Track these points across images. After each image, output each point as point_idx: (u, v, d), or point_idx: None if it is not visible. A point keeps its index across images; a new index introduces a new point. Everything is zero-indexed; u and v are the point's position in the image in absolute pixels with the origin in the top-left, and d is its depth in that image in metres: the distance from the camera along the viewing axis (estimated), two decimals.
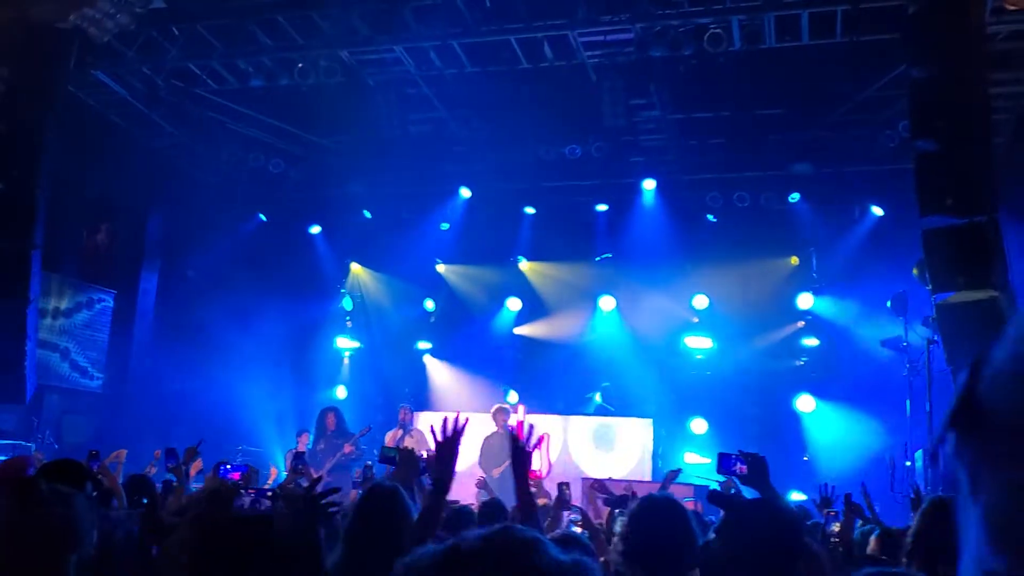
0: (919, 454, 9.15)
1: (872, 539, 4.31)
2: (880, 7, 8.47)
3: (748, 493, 3.44)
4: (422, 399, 12.56)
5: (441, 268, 13.36)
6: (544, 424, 11.17)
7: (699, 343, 12.10)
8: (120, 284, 12.52)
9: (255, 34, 9.91)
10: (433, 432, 3.17)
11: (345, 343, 13.46)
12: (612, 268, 12.54)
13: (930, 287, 7.49)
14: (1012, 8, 8.08)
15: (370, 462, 8.26)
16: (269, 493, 4.49)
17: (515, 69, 9.99)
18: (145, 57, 10.27)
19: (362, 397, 12.86)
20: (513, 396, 11.83)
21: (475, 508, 5.30)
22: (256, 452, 10.96)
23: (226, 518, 2.44)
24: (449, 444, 3.01)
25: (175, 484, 5.13)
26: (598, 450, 11.10)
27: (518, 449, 3.07)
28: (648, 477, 9.97)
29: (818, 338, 11.71)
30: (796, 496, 9.10)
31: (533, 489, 7.45)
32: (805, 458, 11.08)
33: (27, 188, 8.88)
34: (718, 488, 4.13)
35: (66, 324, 11.54)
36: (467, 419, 3.13)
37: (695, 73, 9.94)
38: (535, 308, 13.05)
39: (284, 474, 7.42)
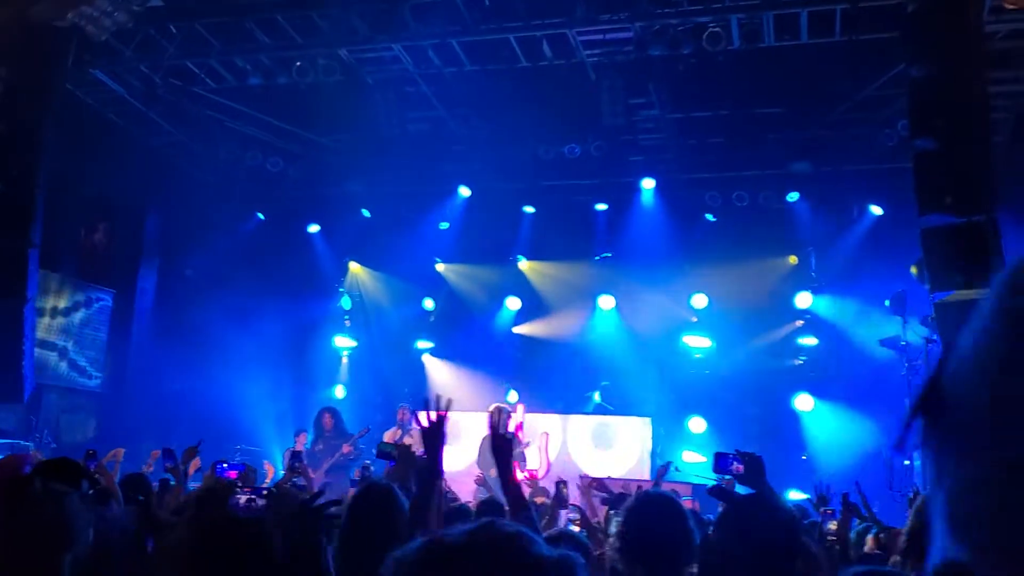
0: (918, 453, 9.15)
1: (869, 538, 4.31)
2: (879, 6, 8.47)
3: (744, 493, 3.44)
4: (421, 399, 12.52)
5: (440, 267, 13.35)
6: (543, 423, 11.18)
7: (698, 342, 12.09)
8: (118, 283, 12.52)
9: (253, 32, 9.90)
10: (418, 419, 3.14)
11: (344, 342, 13.45)
12: (611, 267, 12.53)
13: (929, 286, 7.49)
14: (1011, 7, 8.08)
15: (368, 461, 8.27)
16: (264, 492, 4.49)
17: (514, 68, 9.99)
18: (143, 55, 10.26)
19: (361, 396, 12.86)
20: (513, 396, 11.83)
21: (473, 507, 5.29)
22: (254, 451, 10.95)
23: (223, 518, 2.43)
24: (434, 428, 2.98)
25: (173, 483, 5.13)
26: (597, 449, 11.10)
27: (497, 437, 3.00)
28: (647, 476, 9.96)
29: (817, 337, 11.71)
30: (794, 495, 9.09)
31: (529, 489, 7.46)
32: (804, 457, 11.07)
33: (25, 187, 8.87)
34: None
35: (64, 323, 11.54)
36: (449, 400, 3.09)
37: (694, 72, 9.94)
38: (534, 307, 13.05)
39: (282, 473, 7.41)
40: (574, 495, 5.98)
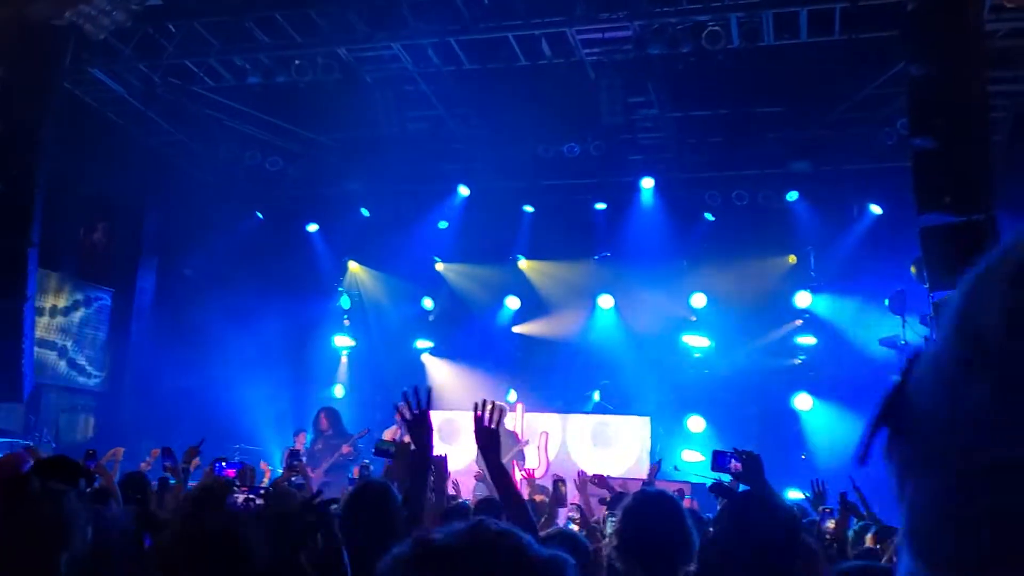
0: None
1: (868, 536, 4.31)
2: (879, 4, 8.47)
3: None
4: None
5: (440, 266, 13.35)
6: (543, 422, 11.19)
7: (697, 341, 12.09)
8: (118, 282, 12.52)
9: (252, 31, 9.89)
10: (401, 412, 3.12)
11: (343, 342, 13.44)
12: (611, 266, 12.54)
13: (928, 285, 7.49)
14: (1010, 6, 8.07)
15: (367, 460, 8.25)
16: (262, 491, 4.49)
17: (513, 67, 9.98)
18: (142, 54, 10.24)
19: (360, 396, 12.85)
20: (513, 395, 11.83)
21: (472, 504, 5.29)
22: (253, 451, 10.95)
23: (220, 518, 2.43)
24: (418, 419, 2.97)
25: (172, 483, 5.13)
26: (596, 448, 11.11)
27: (481, 430, 2.92)
28: (646, 475, 9.95)
29: (816, 336, 11.70)
30: (793, 494, 9.09)
31: (528, 488, 7.46)
32: (803, 456, 11.07)
33: (24, 187, 8.86)
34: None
35: (64, 322, 11.54)
36: (429, 388, 3.07)
37: (693, 71, 9.93)
38: (534, 306, 13.04)
39: (279, 471, 7.41)
40: (572, 493, 5.97)
